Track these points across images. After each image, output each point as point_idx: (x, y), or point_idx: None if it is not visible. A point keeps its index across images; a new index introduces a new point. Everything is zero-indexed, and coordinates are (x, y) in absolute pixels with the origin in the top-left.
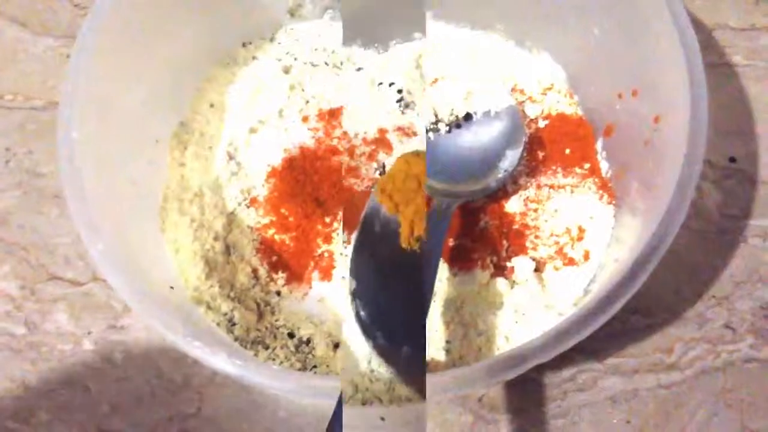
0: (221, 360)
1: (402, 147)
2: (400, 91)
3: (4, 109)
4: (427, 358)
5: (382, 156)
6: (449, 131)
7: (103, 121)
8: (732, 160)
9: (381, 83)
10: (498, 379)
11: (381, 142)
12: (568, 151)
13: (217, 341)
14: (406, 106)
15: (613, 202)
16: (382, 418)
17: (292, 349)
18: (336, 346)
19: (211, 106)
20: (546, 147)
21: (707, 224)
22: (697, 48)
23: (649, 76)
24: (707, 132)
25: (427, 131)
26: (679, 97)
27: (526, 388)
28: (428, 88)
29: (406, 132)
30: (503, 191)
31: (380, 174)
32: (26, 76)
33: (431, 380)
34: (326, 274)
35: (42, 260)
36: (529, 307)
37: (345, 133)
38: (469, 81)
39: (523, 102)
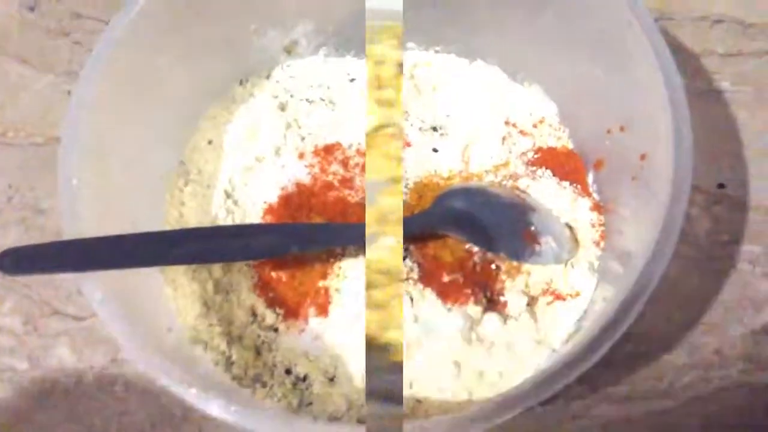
0: (216, 407)
1: None
2: None
3: (6, 145)
4: (420, 396)
5: None
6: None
7: (103, 163)
8: (721, 186)
9: None
10: (488, 425)
11: None
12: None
13: (215, 382)
14: None
15: (603, 236)
16: None
17: (290, 386)
18: (331, 380)
19: (209, 143)
20: None
21: (697, 251)
22: (681, 87)
23: (635, 113)
24: (692, 167)
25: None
26: (664, 136)
27: (520, 416)
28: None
29: None
30: None
31: None
32: (27, 113)
33: (421, 427)
34: (322, 310)
35: (44, 295)
36: (522, 343)
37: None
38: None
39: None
